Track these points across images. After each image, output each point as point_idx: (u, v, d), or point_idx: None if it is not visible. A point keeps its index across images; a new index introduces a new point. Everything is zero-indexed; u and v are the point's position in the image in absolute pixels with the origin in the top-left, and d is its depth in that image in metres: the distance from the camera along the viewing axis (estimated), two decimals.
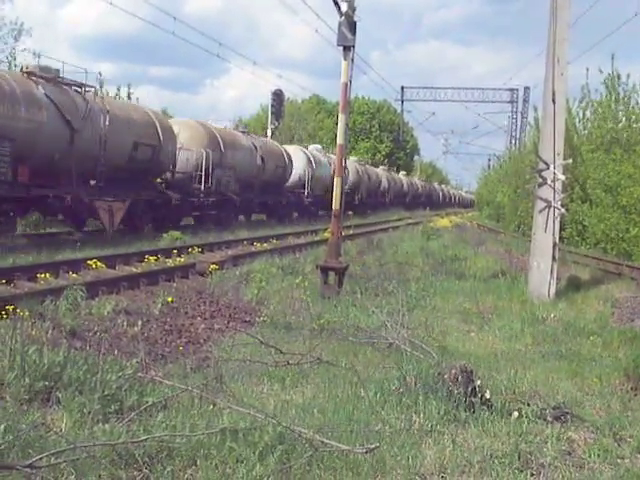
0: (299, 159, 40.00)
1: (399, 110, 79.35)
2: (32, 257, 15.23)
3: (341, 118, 15.13)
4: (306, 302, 12.78)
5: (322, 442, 4.93)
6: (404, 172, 78.58)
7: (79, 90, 20.70)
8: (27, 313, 9.19)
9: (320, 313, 11.62)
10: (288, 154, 38.21)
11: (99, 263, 14.50)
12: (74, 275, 13.71)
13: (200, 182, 27.09)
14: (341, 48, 14.87)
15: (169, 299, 12.24)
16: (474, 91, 71.90)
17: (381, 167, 65.54)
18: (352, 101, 61.89)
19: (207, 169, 27.30)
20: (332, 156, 44.79)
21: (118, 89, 41.84)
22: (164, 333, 10.35)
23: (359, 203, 50.63)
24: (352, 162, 50.13)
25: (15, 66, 32.41)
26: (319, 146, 46.02)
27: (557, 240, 15.05)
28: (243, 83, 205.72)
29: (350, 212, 45.56)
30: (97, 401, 5.62)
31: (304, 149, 41.99)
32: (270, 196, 35.83)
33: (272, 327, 10.71)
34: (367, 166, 57.76)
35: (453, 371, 6.40)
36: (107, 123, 21.01)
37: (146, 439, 4.83)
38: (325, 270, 14.65)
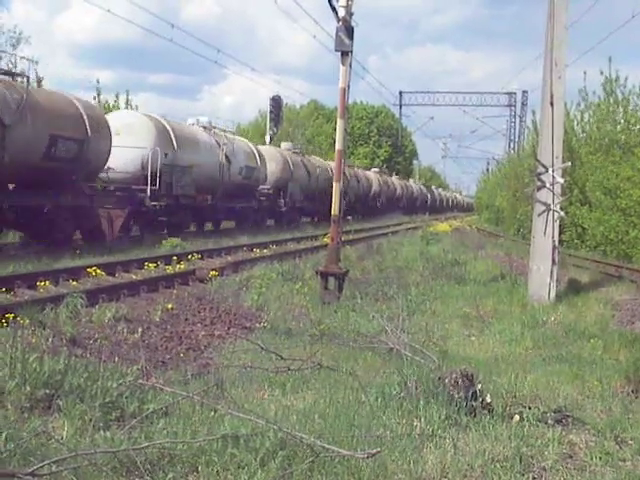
0: (139, 132, 23.85)
1: (397, 115, 79.51)
2: (32, 265, 15.23)
3: (339, 123, 15.16)
4: (306, 308, 12.80)
5: (323, 447, 4.92)
6: (376, 169, 64.66)
7: None
8: (27, 321, 9.21)
9: (320, 318, 11.63)
10: (96, 119, 20.77)
11: (99, 270, 14.52)
12: (74, 283, 13.72)
13: None
14: (339, 53, 14.90)
15: (169, 306, 12.24)
16: (472, 95, 72.14)
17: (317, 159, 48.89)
18: (350, 106, 57.78)
19: None
20: (232, 137, 31.65)
21: (117, 96, 41.94)
22: (164, 340, 10.35)
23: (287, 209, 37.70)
24: (280, 151, 38.67)
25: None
26: (205, 118, 30.33)
27: (557, 243, 15.07)
28: (241, 89, 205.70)
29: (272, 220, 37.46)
30: (98, 408, 5.62)
31: (157, 117, 26.11)
32: (32, 196, 18.79)
33: (272, 333, 10.71)
34: (301, 157, 42.30)
35: (454, 375, 6.39)
36: None
37: (147, 446, 4.83)
38: (325, 275, 14.65)
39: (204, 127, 29.43)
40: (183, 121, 29.53)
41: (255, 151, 33.86)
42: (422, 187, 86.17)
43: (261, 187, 34.65)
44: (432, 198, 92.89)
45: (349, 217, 36.08)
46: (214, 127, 30.30)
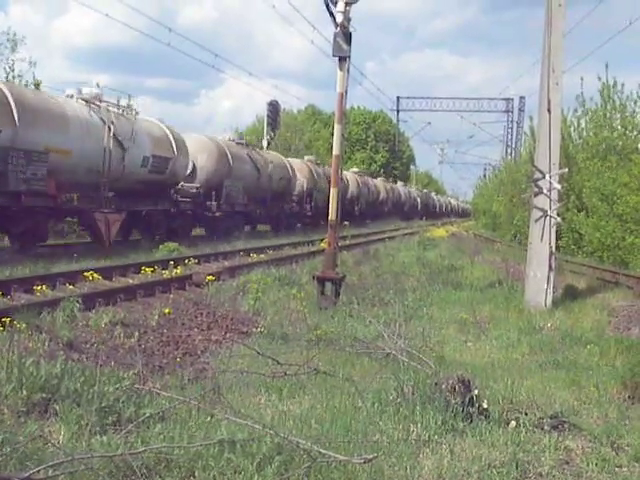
0: None
1: (395, 120, 79.64)
2: (29, 269, 15.21)
3: (337, 129, 15.16)
4: (303, 313, 12.78)
5: (320, 452, 4.92)
6: (355, 170, 58.15)
7: None
8: (24, 325, 9.18)
9: (317, 324, 11.62)
10: None
11: (96, 275, 14.50)
12: (71, 287, 13.70)
13: None
14: (336, 59, 14.91)
15: (166, 310, 12.23)
16: (470, 101, 72.36)
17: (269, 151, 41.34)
18: (348, 111, 54.80)
19: None
20: (131, 117, 23.62)
21: (118, 100, 41.79)
22: (161, 344, 10.34)
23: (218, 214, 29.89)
24: (214, 141, 30.47)
25: (14, 77, 32.32)
26: (88, 89, 22.18)
27: (553, 249, 15.08)
28: (239, 94, 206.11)
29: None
30: (95, 413, 5.61)
31: None
32: None
33: (269, 338, 10.70)
34: (248, 150, 34.13)
35: (450, 381, 6.40)
36: None
37: (144, 451, 4.83)
38: (322, 281, 14.64)
39: (85, 100, 21.39)
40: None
41: (171, 137, 25.55)
42: (411, 190, 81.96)
43: (185, 185, 27.44)
44: (423, 203, 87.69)
45: (346, 222, 34.69)
46: (101, 101, 22.07)
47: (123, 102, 23.73)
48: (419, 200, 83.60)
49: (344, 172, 47.21)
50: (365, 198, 53.57)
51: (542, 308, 14.33)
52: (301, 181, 40.07)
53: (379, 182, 62.26)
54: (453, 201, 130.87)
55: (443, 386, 6.39)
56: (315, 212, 40.15)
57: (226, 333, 11.50)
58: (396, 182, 76.72)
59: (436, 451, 5.49)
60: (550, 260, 14.86)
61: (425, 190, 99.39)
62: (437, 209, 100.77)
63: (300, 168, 40.54)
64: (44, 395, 6.08)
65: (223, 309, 13.10)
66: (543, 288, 14.75)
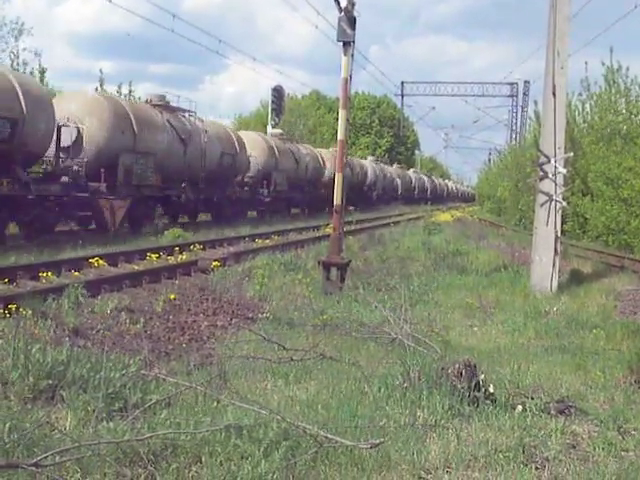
0: None
1: (399, 105, 79.21)
2: (34, 256, 15.22)
3: (341, 114, 15.11)
4: (308, 298, 12.80)
5: (327, 438, 4.92)
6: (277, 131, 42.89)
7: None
8: (30, 312, 9.20)
9: (323, 309, 11.63)
10: None
11: (101, 261, 14.51)
12: (76, 273, 13.71)
13: None
14: (341, 44, 14.85)
15: (171, 296, 12.24)
16: (474, 85, 71.68)
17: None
18: (352, 96, 47.84)
19: None
20: None
21: (119, 87, 41.80)
22: (167, 330, 10.35)
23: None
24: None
25: (18, 65, 32.27)
26: None
27: (559, 233, 15.05)
28: (243, 79, 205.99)
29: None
30: (101, 399, 5.62)
31: None
32: None
33: (275, 323, 10.71)
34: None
35: (456, 366, 6.40)
36: None
37: (151, 436, 4.83)
38: (327, 266, 14.64)
39: None
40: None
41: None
42: (386, 168, 66.20)
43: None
44: (406, 185, 73.30)
45: (351, 207, 33.58)
46: None
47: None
48: (398, 182, 76.49)
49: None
50: (284, 174, 38.67)
51: (548, 292, 14.32)
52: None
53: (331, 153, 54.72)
54: (447, 183, 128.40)
55: (449, 371, 6.39)
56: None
57: (232, 319, 11.51)
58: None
59: (443, 436, 5.49)
60: (555, 244, 14.83)
61: (412, 170, 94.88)
62: (423, 193, 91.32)
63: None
64: (50, 382, 6.09)
65: (229, 295, 13.10)
66: (549, 272, 14.73)
